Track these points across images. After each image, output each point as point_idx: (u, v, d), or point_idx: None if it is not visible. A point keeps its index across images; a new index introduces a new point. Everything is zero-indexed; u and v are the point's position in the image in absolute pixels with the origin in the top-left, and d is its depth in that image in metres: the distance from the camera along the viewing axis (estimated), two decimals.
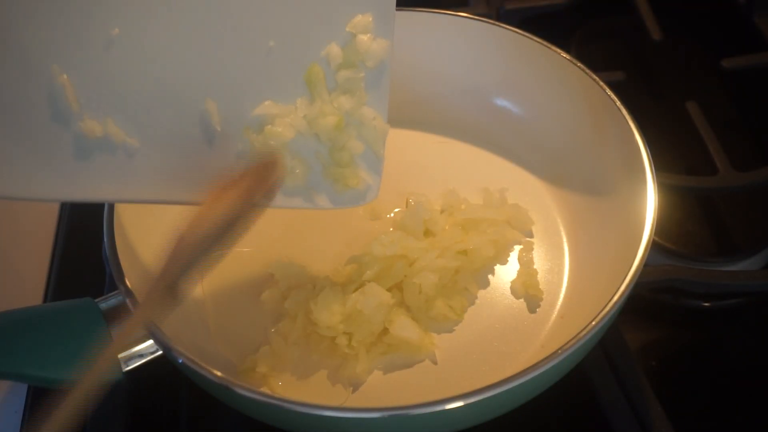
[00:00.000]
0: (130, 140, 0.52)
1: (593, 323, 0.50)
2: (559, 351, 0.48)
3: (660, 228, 0.59)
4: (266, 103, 0.54)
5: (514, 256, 0.66)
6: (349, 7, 0.53)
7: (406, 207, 0.67)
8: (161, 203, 0.54)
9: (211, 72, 0.53)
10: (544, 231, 0.67)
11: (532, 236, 0.67)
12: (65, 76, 0.50)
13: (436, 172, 0.72)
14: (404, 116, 0.76)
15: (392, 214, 0.68)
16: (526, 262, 0.65)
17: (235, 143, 0.54)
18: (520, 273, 0.64)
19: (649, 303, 0.67)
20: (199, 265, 0.48)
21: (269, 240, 0.66)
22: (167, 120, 0.53)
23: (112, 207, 0.57)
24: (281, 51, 0.53)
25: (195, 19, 0.52)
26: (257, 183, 0.51)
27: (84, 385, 0.42)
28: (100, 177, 0.52)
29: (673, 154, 0.74)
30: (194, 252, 0.47)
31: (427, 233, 0.65)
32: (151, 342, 0.52)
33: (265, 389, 0.57)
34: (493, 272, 0.65)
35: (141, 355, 0.53)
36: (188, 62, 0.52)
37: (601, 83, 0.65)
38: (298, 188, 0.56)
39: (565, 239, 0.67)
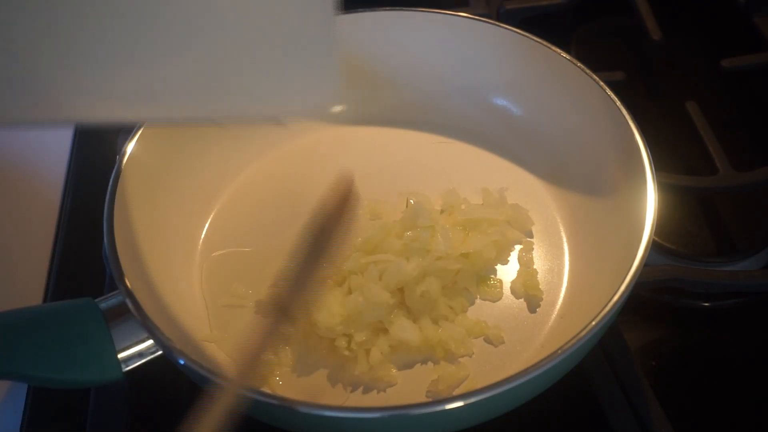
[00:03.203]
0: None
1: (593, 323, 0.50)
2: (559, 351, 0.48)
3: (660, 228, 0.59)
4: None
5: (514, 256, 0.66)
6: None
7: (407, 207, 0.67)
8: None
9: None
10: (544, 231, 0.67)
11: (532, 236, 0.67)
12: None
13: (436, 172, 0.72)
14: (404, 116, 0.76)
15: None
16: (526, 262, 0.65)
17: None
18: (520, 273, 0.64)
19: (649, 303, 0.67)
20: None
21: (269, 240, 0.66)
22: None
23: (111, 207, 0.57)
24: None
25: None
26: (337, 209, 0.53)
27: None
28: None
29: (673, 154, 0.74)
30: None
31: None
32: (151, 342, 0.52)
33: (265, 389, 0.57)
34: (493, 272, 0.65)
35: (141, 355, 0.53)
36: None
37: (601, 83, 0.65)
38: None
39: (565, 239, 0.66)
